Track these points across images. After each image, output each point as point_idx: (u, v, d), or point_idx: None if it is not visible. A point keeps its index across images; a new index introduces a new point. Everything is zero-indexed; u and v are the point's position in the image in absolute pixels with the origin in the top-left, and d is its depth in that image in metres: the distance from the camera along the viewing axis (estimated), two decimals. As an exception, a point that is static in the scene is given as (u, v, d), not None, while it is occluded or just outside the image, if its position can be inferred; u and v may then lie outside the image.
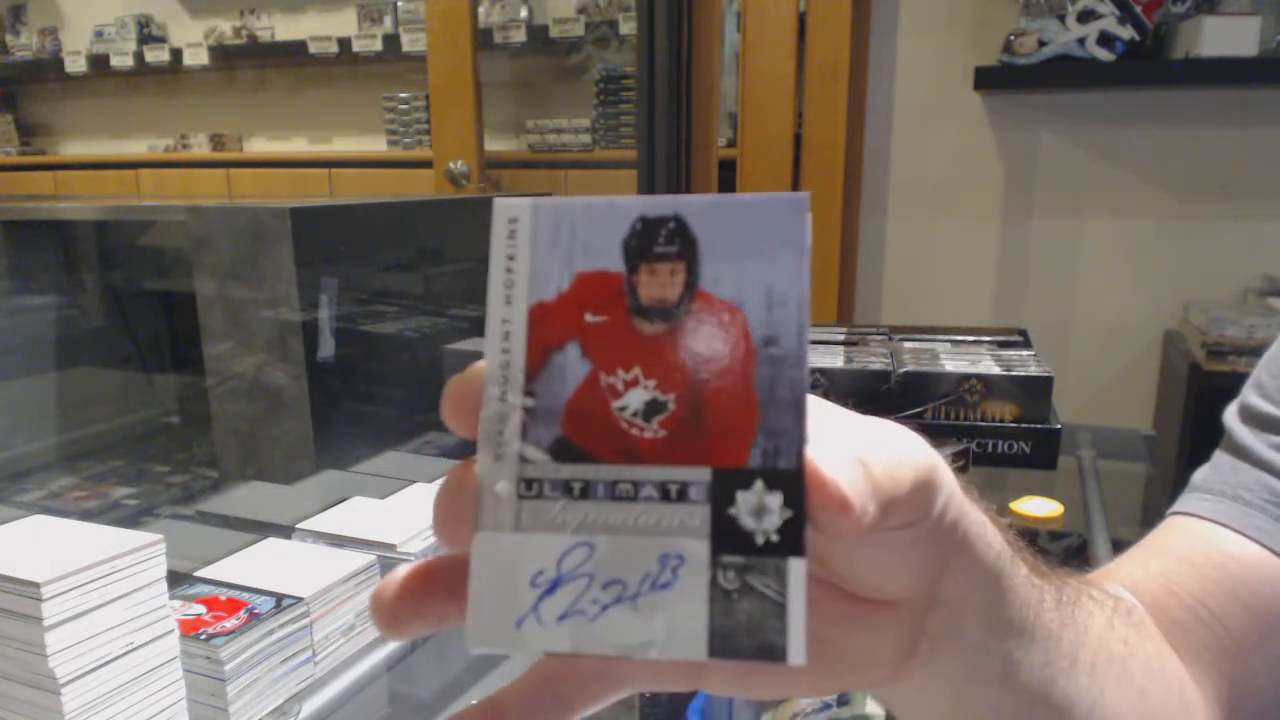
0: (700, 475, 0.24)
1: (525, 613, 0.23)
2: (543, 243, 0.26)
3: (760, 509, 0.23)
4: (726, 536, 0.23)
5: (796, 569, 0.22)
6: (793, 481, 0.23)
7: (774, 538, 0.23)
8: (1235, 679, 0.47)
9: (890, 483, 0.24)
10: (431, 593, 0.26)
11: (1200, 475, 0.54)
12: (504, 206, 0.26)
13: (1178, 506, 0.53)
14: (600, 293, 0.25)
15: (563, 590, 0.23)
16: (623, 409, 0.24)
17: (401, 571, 0.26)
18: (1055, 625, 0.35)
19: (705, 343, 0.24)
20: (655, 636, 0.23)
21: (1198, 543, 0.50)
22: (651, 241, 0.25)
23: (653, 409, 0.24)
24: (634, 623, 0.23)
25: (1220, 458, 0.54)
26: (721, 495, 0.23)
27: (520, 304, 0.26)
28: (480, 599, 0.23)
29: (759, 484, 0.23)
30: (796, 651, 0.22)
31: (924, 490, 0.26)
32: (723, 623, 0.22)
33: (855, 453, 0.24)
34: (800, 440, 0.23)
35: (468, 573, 0.24)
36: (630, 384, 0.25)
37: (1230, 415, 0.55)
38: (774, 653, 0.22)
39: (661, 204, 0.25)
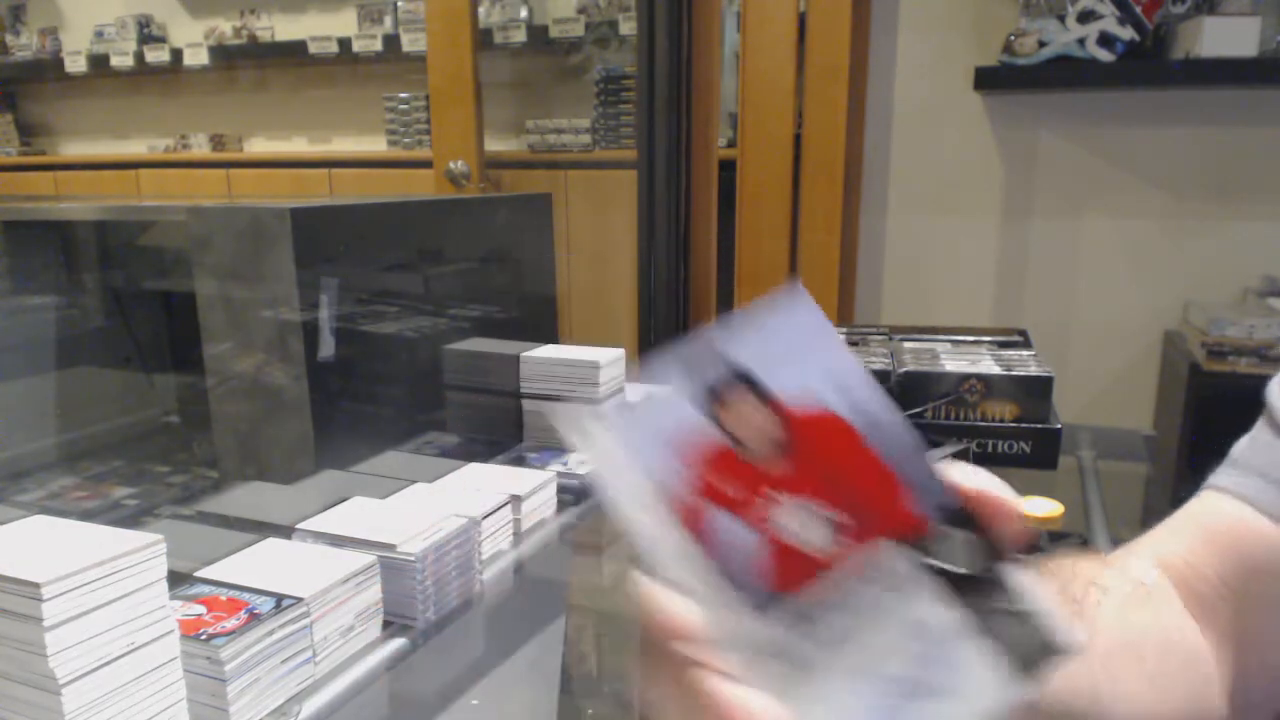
0: (895, 552, 0.26)
1: None
2: (634, 450, 0.27)
3: (954, 549, 0.25)
4: (951, 588, 0.25)
5: (1013, 574, 0.25)
6: (962, 512, 0.26)
7: (981, 564, 0.25)
8: (1249, 657, 0.49)
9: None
10: None
11: (1239, 448, 0.56)
12: (571, 422, 0.28)
13: (1213, 479, 0.55)
14: (711, 459, 0.27)
15: None
16: (802, 541, 0.26)
17: None
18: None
19: (822, 449, 0.27)
20: (970, 704, 0.24)
21: (1224, 520, 0.52)
22: (715, 394, 0.27)
23: (825, 527, 0.27)
24: (946, 710, 0.24)
25: (1260, 432, 0.55)
26: (922, 557, 0.26)
27: (659, 511, 0.26)
28: None
29: (942, 528, 0.26)
30: (1074, 639, 0.25)
31: None
32: (1010, 656, 0.24)
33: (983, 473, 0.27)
34: (939, 475, 0.26)
35: None
36: (791, 518, 0.27)
37: (1273, 389, 0.56)
38: (1060, 648, 0.25)
39: (701, 363, 0.28)
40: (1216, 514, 0.53)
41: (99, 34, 3.57)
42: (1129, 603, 0.43)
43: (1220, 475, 0.55)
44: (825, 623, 0.25)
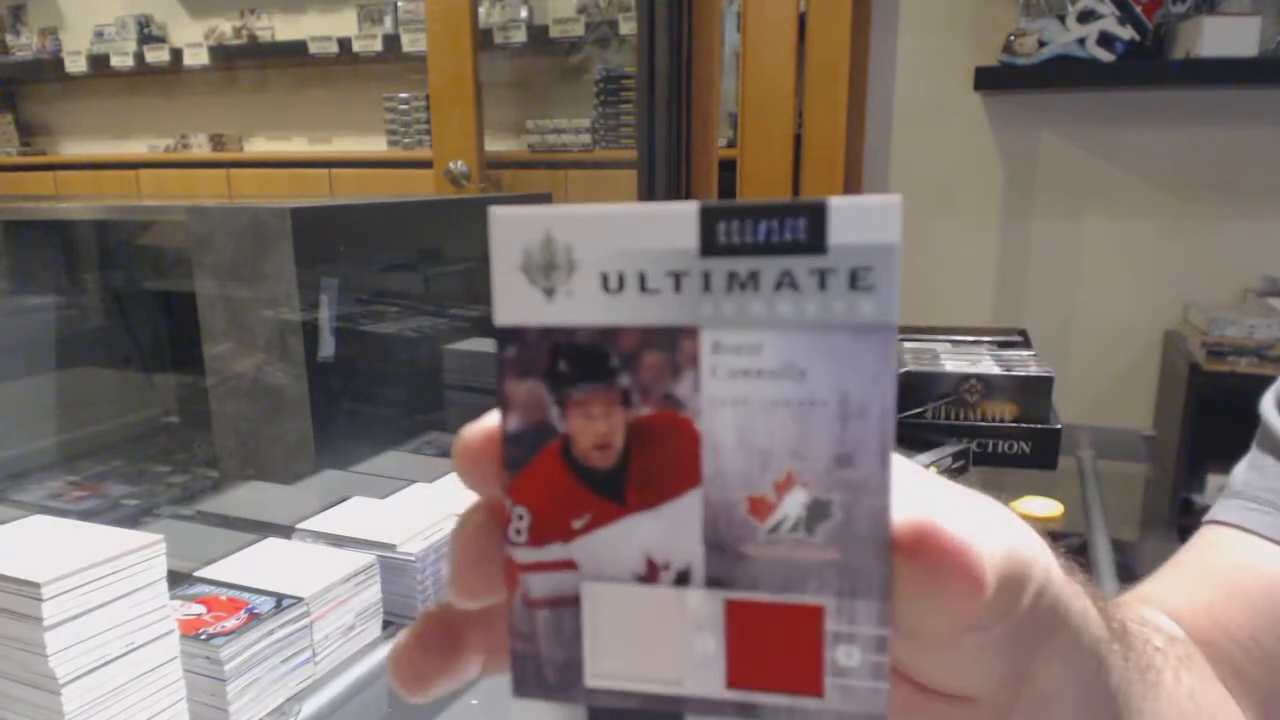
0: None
1: None
2: None
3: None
4: None
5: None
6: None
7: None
8: None
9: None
10: (457, 645, 0.22)
11: (1240, 478, 0.49)
12: None
13: (1219, 514, 0.49)
14: None
15: None
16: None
17: (415, 626, 0.22)
18: (1138, 698, 0.31)
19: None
20: None
21: (1244, 566, 0.46)
22: None
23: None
24: None
25: (1260, 458, 0.49)
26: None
27: None
28: None
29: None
30: None
31: (1015, 581, 0.22)
32: None
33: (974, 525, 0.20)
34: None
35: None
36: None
37: (1268, 405, 0.50)
38: None
39: None
40: (1236, 561, 0.46)
41: (99, 34, 3.57)
42: (1183, 668, 0.36)
43: (1228, 510, 0.48)
44: None
